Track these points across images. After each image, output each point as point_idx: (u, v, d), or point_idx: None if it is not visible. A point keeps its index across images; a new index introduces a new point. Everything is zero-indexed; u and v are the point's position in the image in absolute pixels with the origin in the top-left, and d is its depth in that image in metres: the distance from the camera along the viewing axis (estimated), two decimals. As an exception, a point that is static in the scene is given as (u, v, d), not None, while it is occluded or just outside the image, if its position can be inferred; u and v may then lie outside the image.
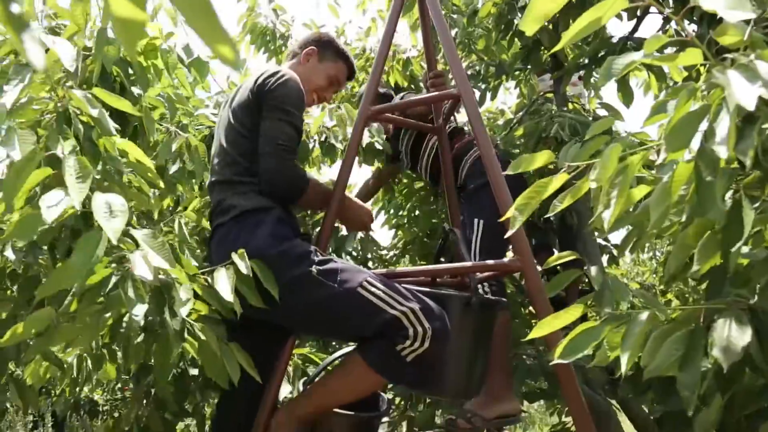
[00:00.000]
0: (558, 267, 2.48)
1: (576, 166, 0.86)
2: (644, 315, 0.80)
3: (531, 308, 2.70)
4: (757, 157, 0.70)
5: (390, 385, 2.16)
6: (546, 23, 2.33)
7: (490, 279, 1.77)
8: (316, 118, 2.01)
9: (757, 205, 0.79)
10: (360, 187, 2.70)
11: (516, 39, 2.43)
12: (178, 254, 1.27)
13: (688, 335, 0.78)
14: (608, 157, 0.75)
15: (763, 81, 0.60)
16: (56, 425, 6.08)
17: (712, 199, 0.64)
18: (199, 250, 1.78)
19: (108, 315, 1.12)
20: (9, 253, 1.30)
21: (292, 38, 3.28)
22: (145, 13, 0.35)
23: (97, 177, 1.18)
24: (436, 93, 1.74)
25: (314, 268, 1.35)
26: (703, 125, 0.70)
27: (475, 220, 1.94)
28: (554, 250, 2.54)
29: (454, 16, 2.47)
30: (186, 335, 1.20)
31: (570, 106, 2.43)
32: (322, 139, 2.11)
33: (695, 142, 0.71)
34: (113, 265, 1.10)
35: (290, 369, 1.99)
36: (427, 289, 1.53)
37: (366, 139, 2.13)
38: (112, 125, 1.21)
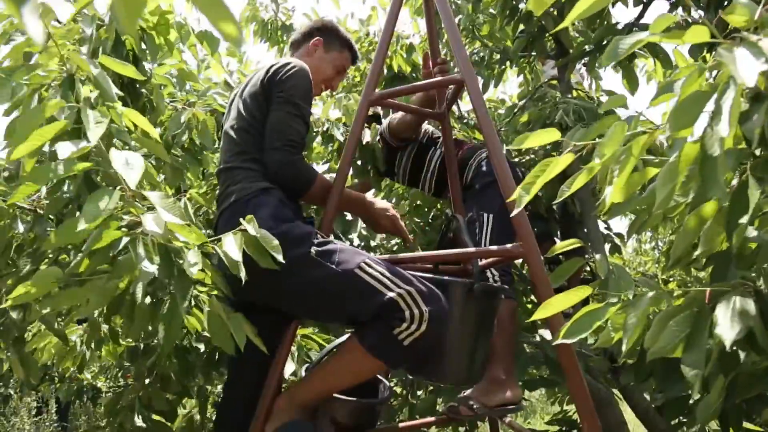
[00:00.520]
0: (560, 257, 2.48)
1: (583, 146, 0.85)
2: (649, 295, 0.79)
3: (532, 297, 2.71)
4: (763, 137, 0.69)
5: (391, 373, 2.16)
6: (551, 9, 2.31)
7: (496, 266, 1.77)
8: (323, 108, 2.01)
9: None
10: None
11: (521, 25, 2.41)
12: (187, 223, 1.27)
13: (692, 316, 0.77)
14: (613, 133, 0.74)
15: (767, 57, 0.59)
16: (59, 411, 6.13)
17: (715, 178, 0.63)
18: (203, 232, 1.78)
19: (116, 281, 1.12)
20: (18, 225, 1.30)
21: (294, 28, 3.27)
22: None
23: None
24: (440, 78, 1.72)
25: (313, 249, 1.36)
26: (710, 106, 0.70)
27: (484, 215, 1.94)
28: (556, 240, 2.53)
29: (459, 1, 2.45)
30: (192, 306, 1.20)
31: (574, 93, 2.41)
32: (324, 129, 2.11)
33: (701, 123, 0.70)
34: (123, 229, 1.10)
35: (293, 348, 2.00)
36: (430, 275, 1.53)
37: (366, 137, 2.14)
38: (114, 90, 1.21)
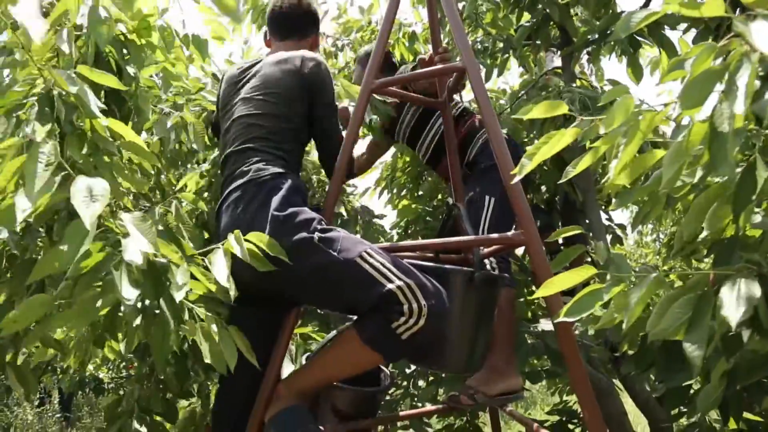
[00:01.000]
0: (561, 246, 2.48)
1: (589, 121, 0.84)
2: (651, 277, 0.79)
3: (533, 288, 2.70)
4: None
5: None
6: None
7: (495, 255, 1.76)
8: None
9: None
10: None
11: (525, 13, 2.39)
12: (174, 235, 1.25)
13: (696, 299, 0.77)
14: (620, 106, 0.73)
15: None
16: (62, 402, 6.16)
17: (724, 155, 0.62)
18: (198, 232, 1.77)
19: (104, 300, 1.10)
20: (4, 235, 1.28)
21: None
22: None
23: (80, 161, 1.15)
24: (441, 66, 1.71)
25: (316, 235, 1.35)
26: (719, 86, 0.69)
27: (487, 197, 1.91)
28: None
29: (462, -11, 2.44)
30: (186, 317, 1.18)
31: (578, 82, 2.40)
32: None
33: (710, 103, 0.69)
34: (107, 249, 1.07)
35: (293, 347, 2.00)
36: (430, 264, 1.52)
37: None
38: (95, 104, 1.15)
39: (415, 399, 2.59)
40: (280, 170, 1.49)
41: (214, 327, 1.19)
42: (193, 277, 1.19)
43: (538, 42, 2.49)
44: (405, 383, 2.69)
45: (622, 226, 2.86)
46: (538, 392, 6.85)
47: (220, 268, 1.18)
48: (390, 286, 1.30)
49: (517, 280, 2.67)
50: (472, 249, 1.59)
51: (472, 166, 2.08)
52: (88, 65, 1.32)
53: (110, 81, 1.23)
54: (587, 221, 2.33)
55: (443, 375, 2.49)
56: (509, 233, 1.45)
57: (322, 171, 2.23)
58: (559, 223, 2.55)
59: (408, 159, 2.84)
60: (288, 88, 1.58)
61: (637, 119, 0.73)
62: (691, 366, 0.73)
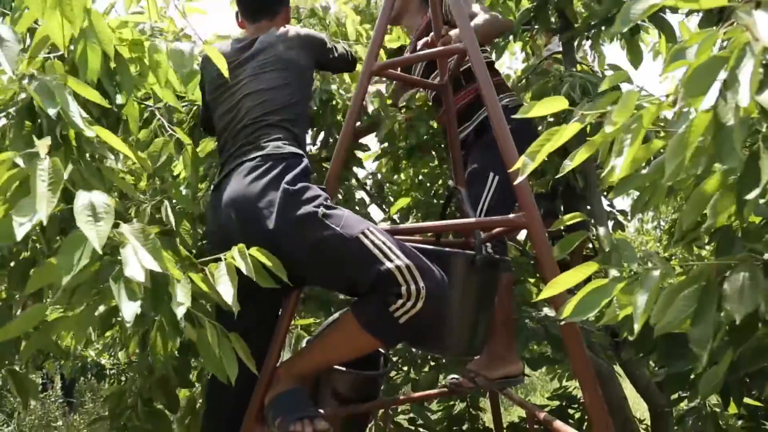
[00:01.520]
0: (563, 232, 2.47)
1: (590, 115, 0.83)
2: (657, 271, 0.78)
3: (532, 275, 2.70)
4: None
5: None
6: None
7: (494, 238, 1.75)
8: None
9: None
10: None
11: (524, -3, 2.37)
12: (173, 243, 1.24)
13: (700, 290, 0.76)
14: (626, 101, 0.72)
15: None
16: (64, 387, 6.19)
17: (730, 146, 0.61)
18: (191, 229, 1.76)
19: (104, 307, 1.10)
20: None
21: None
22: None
23: (68, 173, 1.09)
24: (442, 48, 1.69)
25: (321, 210, 1.36)
26: (722, 75, 0.68)
27: (491, 174, 1.85)
28: (559, 216, 2.52)
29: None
30: (184, 323, 1.17)
31: (578, 67, 2.38)
32: None
33: (713, 93, 0.68)
34: (105, 257, 1.05)
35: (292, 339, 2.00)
36: (432, 247, 1.52)
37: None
38: (78, 115, 1.11)
39: (416, 384, 2.60)
40: (297, 151, 1.52)
41: (213, 337, 1.17)
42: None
43: (537, 27, 2.46)
44: (406, 368, 2.71)
45: (624, 213, 2.85)
46: (537, 378, 6.89)
47: (225, 287, 1.16)
48: (389, 265, 1.29)
49: (519, 264, 2.67)
50: (473, 232, 1.59)
51: (479, 135, 2.00)
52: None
53: (94, 96, 1.19)
54: (588, 207, 2.33)
55: (444, 360, 2.50)
56: (511, 216, 1.45)
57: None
58: (561, 208, 2.54)
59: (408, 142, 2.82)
60: (294, 60, 1.65)
61: (639, 114, 0.72)
62: (698, 358, 0.73)
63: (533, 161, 0.87)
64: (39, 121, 1.15)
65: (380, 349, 1.72)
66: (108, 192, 1.19)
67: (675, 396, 1.71)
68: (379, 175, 2.93)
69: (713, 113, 0.68)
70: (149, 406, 1.82)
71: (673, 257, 3.24)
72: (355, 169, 2.53)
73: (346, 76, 2.23)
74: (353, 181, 2.61)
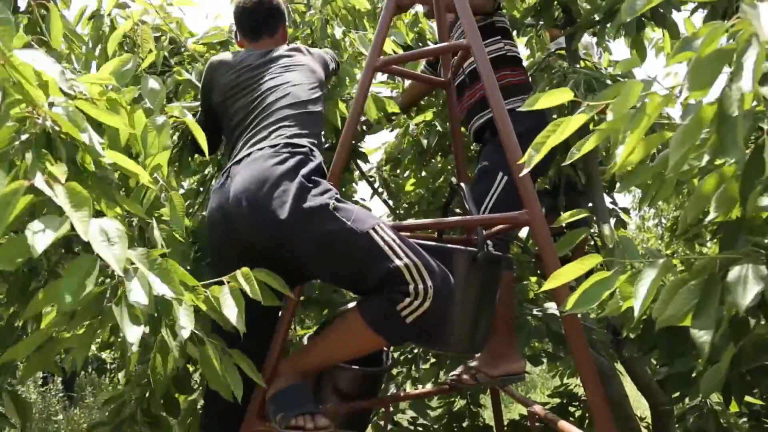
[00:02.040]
0: (565, 228, 2.47)
1: (596, 106, 0.82)
2: (659, 263, 0.78)
3: (537, 270, 2.70)
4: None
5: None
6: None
7: (496, 236, 1.75)
8: None
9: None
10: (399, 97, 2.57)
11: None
12: (176, 266, 1.23)
13: (703, 284, 0.76)
14: (629, 91, 0.72)
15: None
16: (65, 381, 6.20)
17: (734, 139, 0.61)
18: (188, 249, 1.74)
19: (103, 330, 1.10)
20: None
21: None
22: None
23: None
24: (446, 44, 1.69)
25: (332, 203, 1.36)
26: (728, 69, 0.67)
27: (500, 174, 1.86)
28: (561, 211, 2.51)
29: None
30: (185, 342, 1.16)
31: (582, 63, 2.37)
32: None
33: (718, 85, 0.68)
34: (106, 281, 1.06)
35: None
36: (434, 243, 1.51)
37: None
38: (98, 142, 1.11)
39: (417, 380, 2.60)
40: (313, 148, 1.53)
41: (216, 357, 1.17)
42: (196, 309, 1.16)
43: (542, 22, 2.45)
44: (407, 367, 2.71)
45: (626, 210, 2.84)
46: (538, 375, 6.89)
47: (230, 309, 1.15)
48: (398, 262, 1.29)
49: (520, 261, 2.67)
50: (475, 229, 1.58)
51: (495, 131, 1.99)
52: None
53: (117, 122, 1.18)
54: (590, 204, 2.32)
55: (445, 357, 2.50)
56: (515, 213, 1.44)
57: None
58: (563, 205, 2.53)
59: (411, 140, 2.82)
60: (316, 71, 1.71)
61: (643, 102, 0.72)
62: (699, 352, 0.73)
63: (538, 153, 0.87)
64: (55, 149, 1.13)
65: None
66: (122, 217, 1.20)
67: (676, 394, 1.70)
68: (383, 172, 2.93)
69: (718, 105, 0.67)
70: (149, 415, 1.81)
71: (675, 255, 3.25)
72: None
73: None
74: (356, 174, 2.60)
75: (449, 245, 1.52)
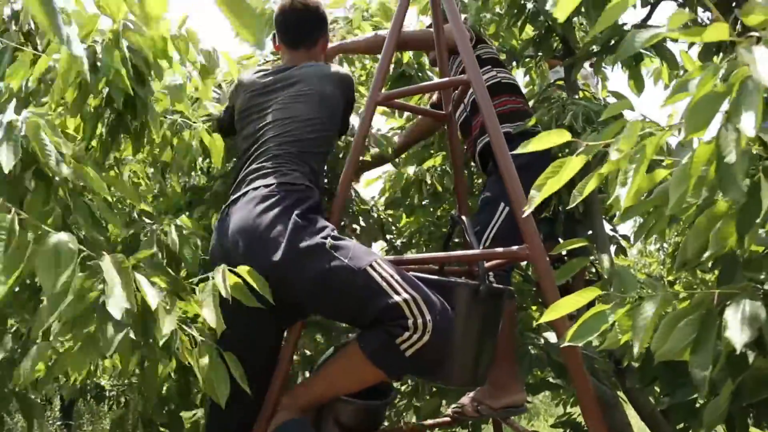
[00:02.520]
0: (565, 256, 2.47)
1: (595, 145, 0.84)
2: (657, 297, 0.79)
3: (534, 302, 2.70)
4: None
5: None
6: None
7: (499, 267, 1.76)
8: None
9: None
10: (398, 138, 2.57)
11: (528, 25, 2.39)
12: (165, 268, 1.26)
13: (701, 318, 0.77)
14: (630, 131, 0.73)
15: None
16: (63, 409, 6.14)
17: (733, 178, 0.62)
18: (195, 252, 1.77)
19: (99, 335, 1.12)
20: None
21: None
22: None
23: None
24: (446, 79, 1.72)
25: (329, 241, 1.37)
26: (724, 106, 0.69)
27: (501, 204, 1.87)
28: (560, 240, 2.52)
29: (465, 0, 2.44)
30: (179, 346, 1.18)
31: (581, 94, 2.40)
32: None
33: (715, 124, 0.69)
34: (98, 287, 1.09)
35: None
36: (435, 277, 1.52)
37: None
38: (54, 157, 1.15)
39: (419, 411, 2.57)
40: (311, 186, 1.53)
41: (206, 359, 1.19)
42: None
43: (541, 53, 2.49)
44: (408, 397, 2.68)
45: (626, 237, 2.85)
46: (541, 402, 6.82)
47: (208, 310, 1.19)
48: (397, 298, 1.30)
49: (522, 290, 2.67)
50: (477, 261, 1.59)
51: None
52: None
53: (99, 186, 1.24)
54: (589, 231, 2.33)
55: (447, 388, 2.48)
56: (514, 248, 1.45)
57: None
58: (561, 232, 2.54)
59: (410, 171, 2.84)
60: (334, 106, 1.66)
61: (643, 144, 0.73)
62: (698, 387, 0.73)
63: (540, 193, 0.88)
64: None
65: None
66: (96, 225, 1.25)
67: (680, 425, 1.69)
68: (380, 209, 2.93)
69: (715, 144, 0.69)
70: (150, 428, 1.81)
71: (678, 281, 3.24)
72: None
73: None
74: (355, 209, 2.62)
75: (450, 279, 1.53)
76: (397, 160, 2.69)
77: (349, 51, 2.15)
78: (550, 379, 2.45)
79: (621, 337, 0.83)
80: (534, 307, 2.72)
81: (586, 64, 2.50)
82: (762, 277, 0.83)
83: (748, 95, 0.62)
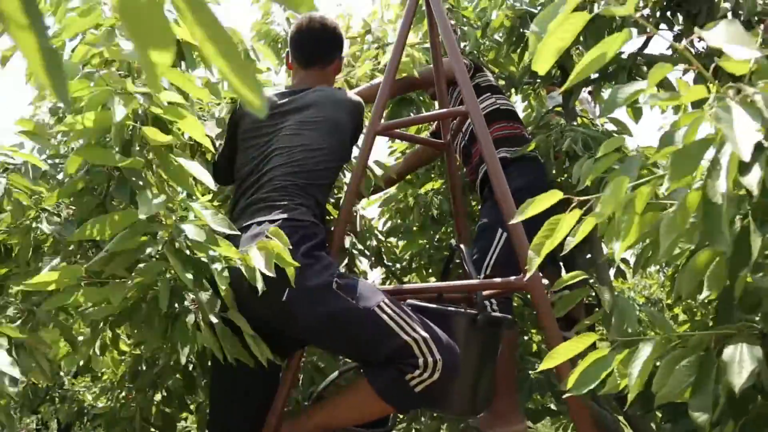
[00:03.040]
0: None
1: (587, 200, 0.86)
2: (651, 342, 0.80)
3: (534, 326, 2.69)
4: (764, 186, 0.69)
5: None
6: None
7: (499, 295, 1.77)
8: None
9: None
10: (397, 164, 2.57)
11: (527, 52, 2.43)
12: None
13: (699, 360, 0.77)
14: (613, 191, 0.75)
15: (763, 119, 0.60)
16: (60, 432, 6.09)
17: (719, 230, 0.63)
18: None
19: (139, 285, 1.16)
20: (44, 226, 1.34)
21: None
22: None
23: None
24: (445, 110, 1.74)
25: (335, 281, 1.37)
26: (711, 153, 0.70)
27: (499, 231, 1.87)
28: (560, 263, 2.52)
29: (465, 28, 2.47)
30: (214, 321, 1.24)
31: (579, 120, 2.42)
32: None
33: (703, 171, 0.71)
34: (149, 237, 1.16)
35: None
36: (435, 306, 1.53)
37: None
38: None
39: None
40: (317, 222, 1.50)
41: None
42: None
43: (539, 80, 2.52)
44: (406, 423, 2.67)
45: (625, 261, 2.85)
46: (543, 425, 6.75)
47: (258, 260, 1.26)
48: (406, 338, 1.31)
49: (522, 314, 2.67)
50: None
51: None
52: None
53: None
54: (589, 256, 2.33)
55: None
56: (512, 278, 1.46)
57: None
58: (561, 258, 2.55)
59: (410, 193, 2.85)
60: (343, 125, 1.61)
61: (632, 197, 0.75)
62: (698, 430, 0.74)
63: (539, 256, 0.89)
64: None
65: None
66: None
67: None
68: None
69: (702, 193, 0.70)
70: (147, 422, 1.82)
71: (677, 303, 3.23)
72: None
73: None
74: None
75: (449, 307, 1.53)
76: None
77: None
78: (551, 406, 2.44)
79: (620, 381, 0.83)
80: (534, 332, 2.71)
81: (584, 91, 2.52)
82: (757, 318, 0.84)
83: (725, 150, 0.63)
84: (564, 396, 0.99)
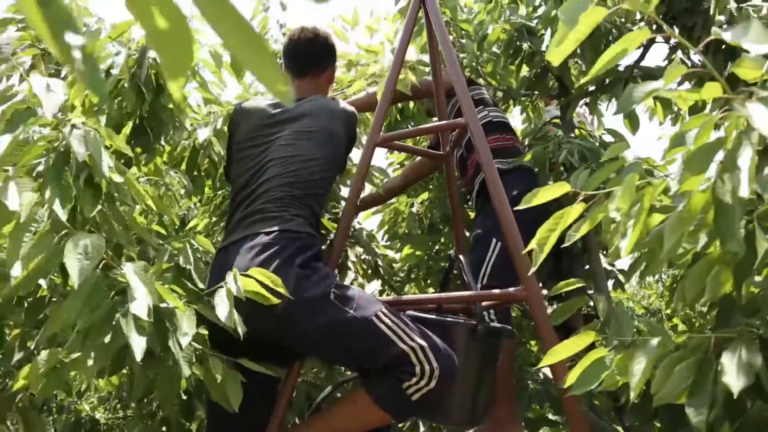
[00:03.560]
0: (562, 292, 2.48)
1: (592, 195, 0.87)
2: (654, 341, 0.80)
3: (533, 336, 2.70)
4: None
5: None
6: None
7: (496, 307, 1.77)
8: None
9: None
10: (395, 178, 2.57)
11: (524, 64, 2.45)
12: (179, 278, 1.29)
13: (697, 363, 0.78)
14: (627, 187, 0.76)
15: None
16: (56, 444, 6.04)
17: (732, 230, 0.65)
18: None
19: (113, 344, 1.14)
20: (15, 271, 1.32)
21: None
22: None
23: (92, 214, 1.22)
24: (444, 122, 1.76)
25: (332, 292, 1.37)
26: (719, 155, 0.72)
27: (494, 240, 1.89)
28: (560, 277, 2.53)
29: (463, 41, 2.50)
30: (193, 360, 1.21)
31: (577, 132, 2.44)
32: None
33: (711, 172, 0.72)
34: (115, 298, 1.13)
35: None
36: (434, 316, 1.53)
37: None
38: (106, 164, 1.21)
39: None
40: (313, 232, 1.50)
41: (219, 369, 1.24)
42: (201, 318, 1.25)
43: (537, 92, 2.54)
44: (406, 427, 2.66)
45: (624, 271, 2.86)
46: (540, 436, 6.72)
47: (222, 307, 1.21)
48: (403, 347, 1.31)
49: (521, 324, 2.67)
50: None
51: (488, 199, 1.98)
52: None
53: (121, 146, 1.31)
54: (587, 266, 2.34)
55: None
56: (511, 289, 1.47)
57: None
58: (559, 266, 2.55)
59: (410, 203, 2.87)
60: (338, 136, 1.62)
61: (641, 195, 0.76)
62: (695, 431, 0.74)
63: (543, 252, 0.90)
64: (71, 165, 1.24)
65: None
66: (127, 234, 1.31)
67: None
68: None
69: (711, 194, 0.71)
70: None
71: (676, 313, 3.23)
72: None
73: None
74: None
75: (449, 318, 1.54)
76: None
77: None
78: (550, 416, 2.43)
79: (619, 379, 0.84)
80: (533, 342, 2.72)
81: (581, 103, 2.55)
82: (758, 322, 0.85)
83: (742, 152, 0.64)
84: (564, 396, 0.99)
